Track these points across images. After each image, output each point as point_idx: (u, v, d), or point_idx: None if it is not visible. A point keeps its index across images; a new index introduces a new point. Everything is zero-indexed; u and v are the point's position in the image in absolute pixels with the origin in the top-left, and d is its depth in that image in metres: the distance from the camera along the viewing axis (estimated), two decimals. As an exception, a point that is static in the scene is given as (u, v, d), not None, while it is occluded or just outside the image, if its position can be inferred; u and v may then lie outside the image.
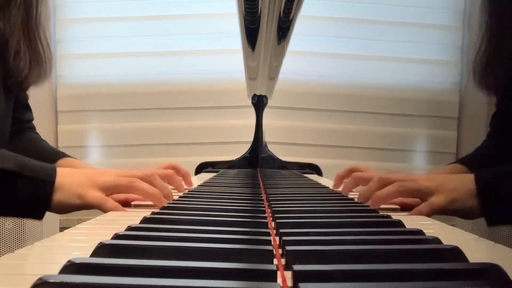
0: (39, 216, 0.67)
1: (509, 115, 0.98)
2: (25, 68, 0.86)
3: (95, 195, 0.67)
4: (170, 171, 0.91)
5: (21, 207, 0.66)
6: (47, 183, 0.65)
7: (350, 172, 0.97)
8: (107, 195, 0.68)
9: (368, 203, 0.69)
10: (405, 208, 0.72)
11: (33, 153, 0.78)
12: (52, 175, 0.66)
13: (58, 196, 0.66)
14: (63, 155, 0.99)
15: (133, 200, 0.74)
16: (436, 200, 0.68)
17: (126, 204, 0.72)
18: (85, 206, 0.68)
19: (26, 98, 1.05)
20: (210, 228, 0.42)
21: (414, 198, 0.72)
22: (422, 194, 0.69)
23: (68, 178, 0.68)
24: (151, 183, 0.70)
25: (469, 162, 0.98)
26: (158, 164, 1.01)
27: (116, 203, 0.68)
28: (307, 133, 2.22)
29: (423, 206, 0.68)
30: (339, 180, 1.00)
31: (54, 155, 0.98)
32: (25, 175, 0.64)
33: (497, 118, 1.05)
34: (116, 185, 0.69)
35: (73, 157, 0.99)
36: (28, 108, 1.07)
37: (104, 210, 0.67)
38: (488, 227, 0.70)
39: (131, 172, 0.72)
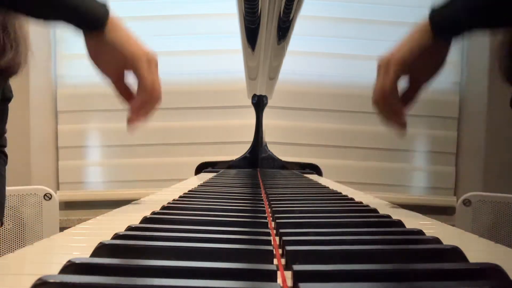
0: (102, 23, 0.70)
1: None
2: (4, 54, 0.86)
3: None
4: None
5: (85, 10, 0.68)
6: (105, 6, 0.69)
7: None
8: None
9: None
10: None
11: None
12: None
13: (112, 34, 0.71)
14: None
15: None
16: (392, 55, 0.72)
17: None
18: (128, 59, 0.72)
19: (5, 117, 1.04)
20: (210, 228, 0.42)
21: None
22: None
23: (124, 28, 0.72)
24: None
25: None
26: None
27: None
28: (307, 133, 2.21)
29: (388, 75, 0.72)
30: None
31: None
32: None
33: None
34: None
35: None
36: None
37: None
38: (435, 39, 0.72)
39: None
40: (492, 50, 2.08)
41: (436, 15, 0.72)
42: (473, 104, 2.19)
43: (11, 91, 1.03)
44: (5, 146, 1.07)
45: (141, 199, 0.77)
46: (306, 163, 1.65)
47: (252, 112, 1.63)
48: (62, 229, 0.59)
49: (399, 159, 2.24)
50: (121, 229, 0.41)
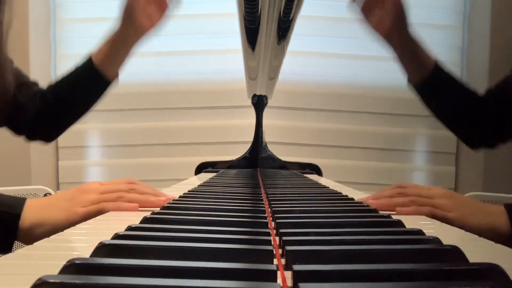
0: (6, 249, 0.62)
1: None
2: None
3: (85, 209, 0.63)
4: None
5: None
6: (10, 216, 0.61)
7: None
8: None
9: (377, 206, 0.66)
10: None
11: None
12: (18, 208, 0.62)
13: (41, 230, 0.62)
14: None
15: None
16: (445, 212, 0.64)
17: None
18: (78, 222, 0.61)
19: (19, 73, 1.04)
20: (210, 228, 0.42)
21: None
22: (436, 207, 0.66)
23: (46, 209, 0.63)
24: (135, 190, 0.68)
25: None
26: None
27: (117, 202, 0.65)
28: (307, 133, 2.21)
29: (427, 208, 0.64)
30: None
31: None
32: None
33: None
34: (102, 201, 0.66)
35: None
36: (26, 79, 1.07)
37: (106, 211, 0.64)
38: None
39: (111, 186, 0.69)
40: (492, 51, 2.08)
41: None
42: (473, 104, 2.19)
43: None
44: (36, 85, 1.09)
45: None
46: (306, 163, 1.65)
47: (252, 112, 1.63)
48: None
49: (399, 159, 2.24)
50: (121, 229, 0.41)
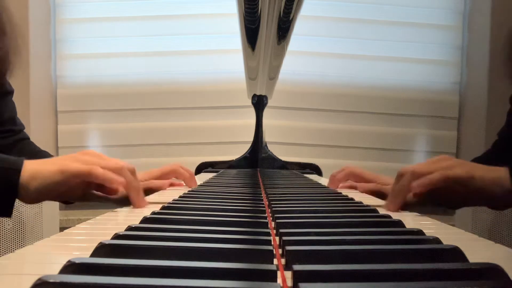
0: (7, 209, 0.63)
1: None
2: None
3: (79, 165, 0.64)
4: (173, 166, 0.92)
5: None
6: (11, 170, 0.61)
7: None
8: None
9: (409, 195, 0.66)
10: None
11: None
12: (18, 163, 0.63)
13: (35, 183, 0.62)
14: None
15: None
16: (453, 171, 0.64)
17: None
18: (71, 181, 0.64)
19: (14, 107, 1.04)
20: (210, 228, 0.42)
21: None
22: (461, 183, 0.65)
23: (42, 163, 0.65)
24: (133, 176, 0.69)
25: None
26: (162, 167, 1.00)
27: (107, 171, 0.65)
28: (307, 133, 2.22)
29: (434, 174, 0.64)
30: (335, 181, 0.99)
31: None
32: None
33: (508, 127, 1.03)
34: (99, 157, 0.68)
35: None
36: (16, 118, 1.05)
37: (96, 177, 0.64)
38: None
39: (114, 160, 0.70)
40: (492, 50, 2.08)
41: None
42: (473, 104, 2.19)
43: (10, 85, 1.03)
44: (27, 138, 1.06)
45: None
46: (306, 163, 1.65)
47: (252, 112, 1.63)
48: (62, 229, 0.59)
49: (399, 159, 2.24)
50: (121, 229, 0.41)
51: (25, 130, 1.07)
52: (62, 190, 0.66)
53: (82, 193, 0.72)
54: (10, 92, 1.04)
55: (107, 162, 0.69)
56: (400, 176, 0.69)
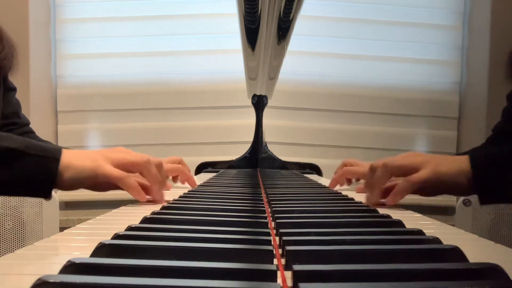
0: (46, 193, 0.68)
1: None
2: None
3: (112, 169, 0.68)
4: (180, 166, 0.94)
5: (29, 184, 0.67)
6: (52, 160, 0.67)
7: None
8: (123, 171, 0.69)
9: (368, 194, 0.71)
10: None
11: None
12: (57, 153, 0.68)
13: (69, 174, 0.67)
14: None
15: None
16: (418, 174, 0.68)
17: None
18: (101, 180, 0.69)
19: (18, 104, 1.05)
20: (210, 228, 0.42)
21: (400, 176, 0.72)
22: (407, 171, 0.70)
23: (77, 156, 0.69)
24: (159, 170, 0.73)
25: None
26: (167, 158, 1.03)
27: (136, 183, 0.69)
28: (307, 133, 2.21)
29: (402, 183, 0.68)
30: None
31: None
32: (31, 153, 0.66)
33: (502, 122, 1.04)
34: (130, 162, 0.71)
35: None
36: (21, 113, 1.08)
37: (124, 185, 0.68)
38: (481, 205, 0.72)
39: (141, 154, 0.74)
40: (492, 50, 2.08)
41: (484, 181, 0.69)
42: (473, 104, 2.19)
43: (12, 83, 1.05)
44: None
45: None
46: (306, 163, 1.65)
47: (252, 112, 1.63)
48: (62, 229, 0.59)
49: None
50: (121, 229, 0.41)
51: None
52: (92, 184, 0.70)
53: (110, 188, 0.75)
54: (13, 89, 1.05)
55: (135, 156, 0.73)
56: (372, 170, 0.73)
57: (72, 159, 0.68)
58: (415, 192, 0.72)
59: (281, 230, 0.41)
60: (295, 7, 0.75)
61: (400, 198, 0.71)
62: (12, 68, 0.97)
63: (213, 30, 2.20)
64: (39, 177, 0.66)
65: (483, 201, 0.70)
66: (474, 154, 0.71)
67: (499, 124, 1.06)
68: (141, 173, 0.73)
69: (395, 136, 2.24)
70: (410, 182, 0.68)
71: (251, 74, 1.26)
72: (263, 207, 0.59)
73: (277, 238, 0.42)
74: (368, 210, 0.59)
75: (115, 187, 0.73)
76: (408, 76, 2.24)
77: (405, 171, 0.71)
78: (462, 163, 0.69)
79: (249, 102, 1.62)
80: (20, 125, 1.04)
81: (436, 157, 0.72)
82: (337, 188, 1.01)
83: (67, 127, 2.21)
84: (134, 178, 0.71)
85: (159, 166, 0.74)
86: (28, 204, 1.68)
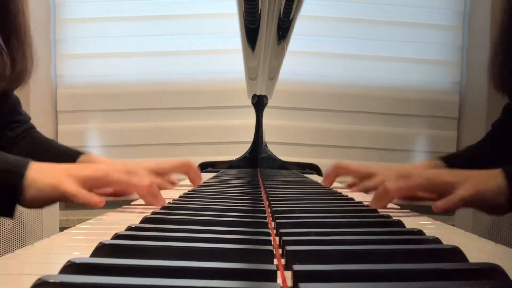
0: (9, 212, 0.63)
1: None
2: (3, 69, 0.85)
3: (70, 186, 0.64)
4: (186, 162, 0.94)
5: None
6: (15, 174, 0.62)
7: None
8: (86, 188, 0.66)
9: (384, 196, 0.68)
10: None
11: (52, 156, 0.78)
12: (23, 167, 0.63)
13: (32, 192, 0.62)
14: (79, 153, 0.96)
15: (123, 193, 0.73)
16: (463, 192, 0.64)
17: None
18: (60, 198, 0.65)
19: (17, 99, 1.04)
20: (210, 228, 0.42)
21: (433, 193, 0.69)
22: (445, 189, 0.66)
23: (43, 172, 0.64)
24: (133, 176, 0.69)
25: (451, 161, 0.94)
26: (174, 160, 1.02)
27: (89, 195, 0.65)
28: (307, 133, 2.21)
29: (451, 198, 0.64)
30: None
31: (73, 155, 0.95)
32: None
33: (504, 120, 1.04)
34: (92, 178, 0.67)
35: (89, 153, 0.96)
36: (21, 110, 1.06)
37: (77, 201, 0.64)
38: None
39: (119, 167, 0.70)
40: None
41: None
42: (473, 104, 2.19)
43: None
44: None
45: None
46: (306, 163, 1.65)
47: (252, 112, 1.63)
48: (62, 229, 0.59)
49: (399, 159, 2.24)
50: (121, 229, 0.41)
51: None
52: (56, 200, 0.66)
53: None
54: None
55: (94, 171, 0.69)
56: (403, 174, 0.70)
57: (37, 176, 0.63)
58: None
59: (281, 230, 0.41)
60: (295, 7, 0.75)
61: (443, 211, 0.66)
62: (29, 76, 0.95)
63: (213, 30, 2.20)
64: (1, 194, 0.61)
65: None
66: (507, 168, 0.65)
67: (498, 121, 1.06)
68: (109, 186, 0.71)
69: (395, 136, 2.24)
70: (459, 199, 0.63)
71: (251, 74, 1.26)
72: (263, 207, 0.59)
73: (277, 238, 0.42)
74: (368, 210, 0.59)
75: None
76: (408, 76, 2.24)
77: (440, 190, 0.67)
78: (497, 178, 0.64)
79: (249, 102, 1.62)
80: (22, 122, 1.03)
81: (470, 174, 0.67)
82: (340, 189, 1.01)
83: (67, 127, 2.21)
84: (103, 190, 0.69)
85: (132, 172, 0.70)
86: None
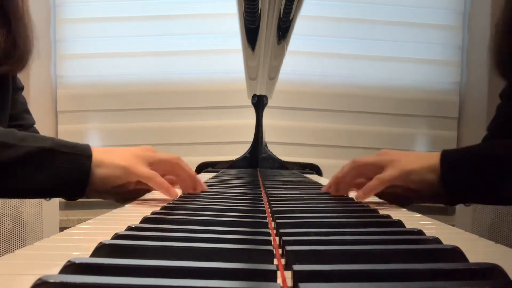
0: (81, 192, 0.66)
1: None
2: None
3: (143, 169, 0.67)
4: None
5: (62, 184, 0.65)
6: (83, 157, 0.65)
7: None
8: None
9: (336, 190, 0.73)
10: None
11: None
12: (87, 150, 0.66)
13: (101, 171, 0.65)
14: None
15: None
16: (388, 172, 0.67)
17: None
18: (132, 179, 0.67)
19: (25, 102, 1.04)
20: (210, 228, 0.42)
21: (371, 175, 0.71)
22: (376, 169, 0.69)
23: (108, 154, 0.67)
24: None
25: None
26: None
27: (165, 180, 0.68)
28: (307, 133, 2.21)
29: (372, 181, 0.67)
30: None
31: None
32: (62, 151, 0.64)
33: (497, 121, 1.04)
34: (162, 160, 0.70)
35: None
36: (28, 113, 1.06)
37: (154, 184, 0.67)
38: (445, 205, 0.71)
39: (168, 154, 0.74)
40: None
41: (451, 179, 0.66)
42: (473, 104, 2.19)
43: (20, 82, 1.05)
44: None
45: (141, 198, 0.77)
46: (306, 163, 1.65)
47: (252, 112, 1.63)
48: (62, 229, 0.59)
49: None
50: (121, 229, 0.41)
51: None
52: (122, 183, 0.68)
53: (132, 193, 0.74)
54: (21, 88, 1.05)
55: (165, 155, 0.74)
56: (343, 167, 0.75)
57: (103, 156, 0.66)
58: (389, 194, 0.71)
59: (281, 230, 0.41)
60: (295, 7, 0.75)
61: (369, 195, 0.70)
62: (31, 60, 0.96)
63: (213, 30, 2.20)
64: (73, 175, 0.64)
65: (450, 200, 0.67)
66: (446, 150, 0.68)
67: (493, 123, 1.05)
68: (172, 171, 0.73)
69: (395, 136, 2.24)
70: (379, 180, 0.67)
71: (251, 74, 1.26)
72: (263, 207, 0.59)
73: (277, 238, 0.42)
74: (368, 210, 0.59)
75: (138, 192, 0.73)
76: (408, 76, 2.25)
77: (373, 169, 0.70)
78: (431, 159, 0.67)
79: (249, 102, 1.62)
80: (25, 127, 1.03)
81: (407, 154, 0.71)
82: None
83: (67, 127, 2.21)
84: (167, 177, 0.71)
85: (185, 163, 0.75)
86: (28, 204, 1.68)
